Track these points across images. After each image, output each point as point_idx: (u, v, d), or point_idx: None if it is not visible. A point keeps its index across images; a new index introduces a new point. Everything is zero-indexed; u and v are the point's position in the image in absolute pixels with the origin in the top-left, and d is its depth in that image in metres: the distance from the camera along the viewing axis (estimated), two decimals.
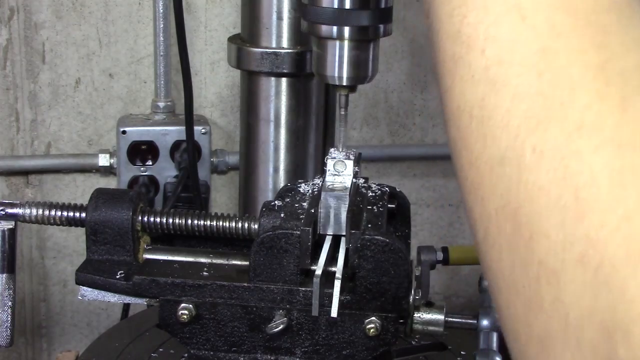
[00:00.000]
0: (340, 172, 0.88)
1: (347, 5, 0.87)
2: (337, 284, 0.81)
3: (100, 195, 0.89)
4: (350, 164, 0.88)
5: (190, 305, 0.86)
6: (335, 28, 0.88)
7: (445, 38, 0.49)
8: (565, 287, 0.41)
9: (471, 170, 0.47)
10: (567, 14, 0.45)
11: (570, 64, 0.43)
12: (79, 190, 1.54)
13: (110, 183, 1.53)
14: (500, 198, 0.45)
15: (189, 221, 0.90)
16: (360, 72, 0.90)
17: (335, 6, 0.87)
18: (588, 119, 0.42)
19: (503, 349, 0.79)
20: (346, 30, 0.88)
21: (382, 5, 0.89)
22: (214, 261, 0.91)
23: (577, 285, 0.40)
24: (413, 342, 1.05)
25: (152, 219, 0.90)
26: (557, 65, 0.44)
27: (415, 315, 0.88)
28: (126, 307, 1.41)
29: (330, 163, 0.88)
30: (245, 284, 0.86)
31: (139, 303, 0.90)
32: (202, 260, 0.91)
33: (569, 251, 0.41)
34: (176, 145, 1.46)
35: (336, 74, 0.90)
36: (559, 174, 0.42)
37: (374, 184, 0.94)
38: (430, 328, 0.88)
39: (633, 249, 0.39)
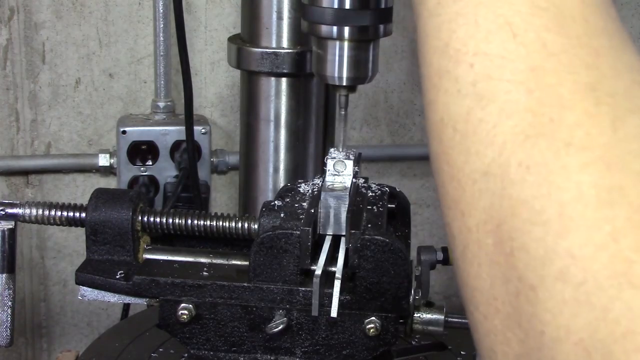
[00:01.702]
0: (340, 172, 0.88)
1: (347, 6, 0.87)
2: (337, 284, 0.81)
3: (100, 195, 0.89)
4: (350, 164, 0.88)
5: (190, 305, 0.86)
6: (335, 28, 0.88)
7: (432, 52, 0.48)
8: (543, 303, 0.40)
9: (452, 184, 0.46)
10: (558, 35, 0.44)
11: (560, 83, 0.43)
12: (79, 190, 1.54)
13: (110, 183, 1.53)
14: (482, 212, 0.44)
15: (189, 221, 0.90)
16: (360, 72, 0.90)
17: (335, 6, 0.87)
18: (577, 136, 0.41)
19: None
20: (346, 30, 0.88)
21: (382, 5, 0.89)
22: (214, 261, 0.90)
23: (555, 302, 0.40)
24: (413, 342, 1.05)
25: (152, 219, 0.90)
26: (547, 83, 0.43)
27: (415, 315, 0.88)
28: (126, 307, 1.41)
29: (330, 163, 0.88)
30: (245, 284, 0.86)
31: (139, 303, 0.90)
32: (202, 260, 0.91)
33: (549, 267, 0.40)
34: (176, 145, 1.46)
35: (336, 74, 0.90)
36: (544, 190, 0.41)
37: (374, 184, 0.94)
38: (430, 328, 0.88)
39: (619, 269, 0.38)
